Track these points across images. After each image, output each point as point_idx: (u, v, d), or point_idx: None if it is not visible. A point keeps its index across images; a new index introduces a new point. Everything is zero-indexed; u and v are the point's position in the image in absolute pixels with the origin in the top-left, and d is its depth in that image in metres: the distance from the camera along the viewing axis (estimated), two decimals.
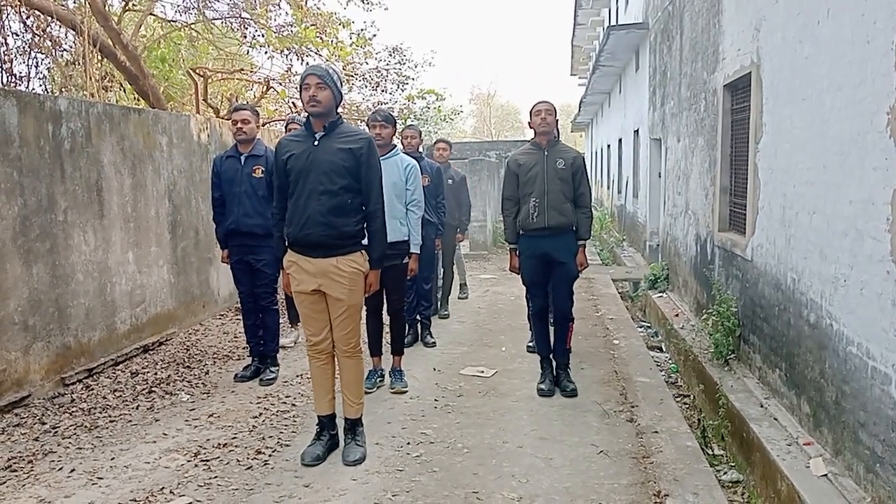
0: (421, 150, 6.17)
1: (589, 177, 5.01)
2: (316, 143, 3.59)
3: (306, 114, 3.66)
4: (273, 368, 5.23)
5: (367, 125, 4.83)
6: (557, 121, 4.85)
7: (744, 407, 4.73)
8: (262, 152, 5.08)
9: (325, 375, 3.80)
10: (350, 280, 3.62)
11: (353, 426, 3.85)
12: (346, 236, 3.59)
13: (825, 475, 3.65)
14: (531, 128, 4.87)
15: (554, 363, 4.98)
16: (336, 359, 3.79)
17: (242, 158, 5.06)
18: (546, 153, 4.76)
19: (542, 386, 4.87)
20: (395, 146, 4.99)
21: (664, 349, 7.69)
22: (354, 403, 3.81)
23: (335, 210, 3.54)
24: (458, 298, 8.33)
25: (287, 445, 3.98)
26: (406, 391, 4.89)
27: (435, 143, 7.37)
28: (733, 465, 4.73)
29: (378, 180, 3.70)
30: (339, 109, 3.76)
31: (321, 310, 3.68)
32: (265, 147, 5.13)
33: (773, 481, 3.92)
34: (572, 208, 4.76)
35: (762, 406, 4.72)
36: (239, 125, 5.02)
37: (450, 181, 6.91)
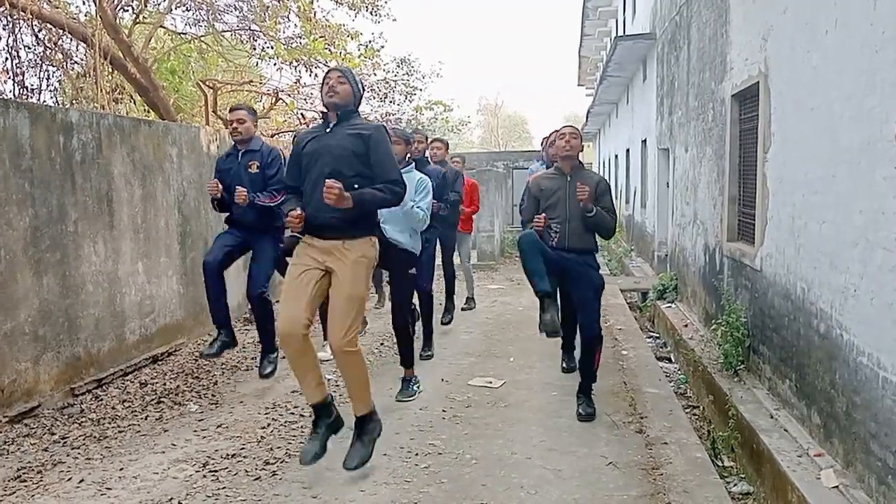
0: (427, 154, 6.22)
1: (613, 199, 4.82)
2: (328, 130, 3.65)
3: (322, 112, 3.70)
4: (271, 356, 5.17)
5: None
6: (582, 147, 4.73)
7: (754, 418, 4.70)
8: (258, 147, 5.12)
9: (306, 357, 3.54)
10: (354, 266, 3.53)
11: (363, 423, 3.70)
12: (355, 220, 3.52)
13: (836, 487, 3.62)
14: (552, 154, 4.74)
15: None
16: (334, 356, 3.60)
17: (239, 154, 5.12)
18: (569, 179, 4.63)
19: (546, 316, 4.37)
20: (411, 163, 5.04)
21: (673, 360, 7.66)
22: (359, 401, 3.68)
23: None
24: (462, 310, 8.23)
25: (295, 456, 3.97)
26: (411, 400, 4.90)
27: (430, 141, 7.21)
28: (743, 476, 4.69)
29: (393, 160, 3.64)
30: None
31: (311, 283, 3.52)
32: (262, 142, 5.18)
33: (784, 493, 3.88)
34: (593, 236, 4.62)
35: (772, 417, 4.69)
36: (234, 125, 5.06)
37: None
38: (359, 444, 3.69)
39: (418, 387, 5.08)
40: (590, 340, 4.58)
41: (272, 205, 4.97)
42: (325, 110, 3.72)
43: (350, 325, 3.51)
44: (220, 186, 4.98)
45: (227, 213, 5.20)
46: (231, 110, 5.22)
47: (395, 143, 4.79)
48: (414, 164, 5.15)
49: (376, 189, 3.55)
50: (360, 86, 3.74)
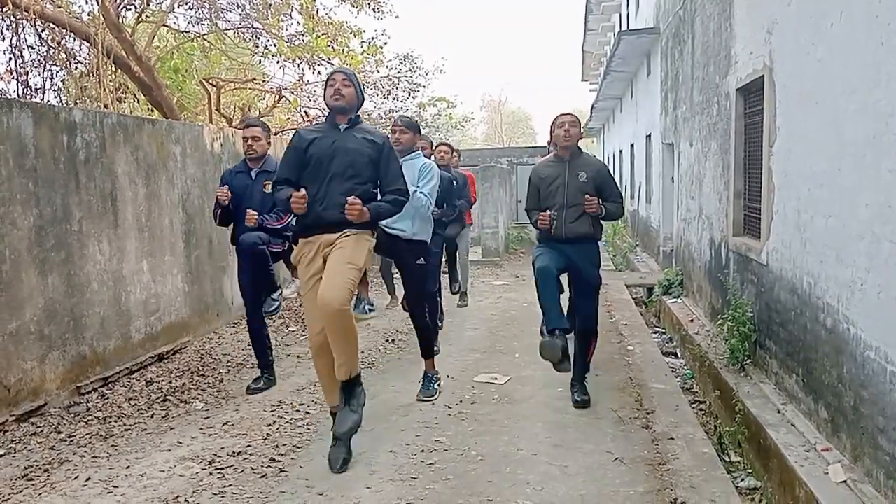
0: (432, 158, 6.19)
1: (617, 183, 4.92)
2: (342, 131, 3.77)
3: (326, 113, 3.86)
4: (274, 296, 5.15)
5: (391, 130, 4.97)
6: (582, 134, 4.79)
7: (760, 413, 4.69)
8: (273, 168, 5.02)
9: (331, 366, 3.77)
10: (357, 239, 3.69)
11: (349, 389, 3.77)
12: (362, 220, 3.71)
13: (844, 481, 3.61)
14: (552, 142, 4.81)
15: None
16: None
17: (253, 174, 5.04)
18: (568, 165, 4.67)
19: (557, 341, 4.44)
20: (417, 151, 5.00)
21: (679, 355, 7.64)
22: (345, 363, 3.70)
23: (357, 195, 3.65)
24: (458, 307, 8.21)
25: (301, 454, 3.98)
26: (433, 399, 4.83)
27: (436, 146, 7.19)
28: (750, 471, 4.68)
29: (400, 169, 3.94)
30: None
31: None
32: (276, 162, 5.11)
33: (792, 488, 3.87)
34: (591, 221, 4.63)
35: (779, 412, 4.67)
36: (249, 142, 4.99)
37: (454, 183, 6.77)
38: (347, 409, 3.78)
39: (439, 385, 4.99)
40: (586, 333, 4.77)
41: (279, 227, 4.96)
42: (331, 110, 3.82)
43: (347, 285, 3.58)
44: (230, 195, 4.94)
45: (229, 226, 5.16)
46: (245, 126, 5.12)
47: (401, 131, 4.85)
48: (420, 154, 5.06)
49: (385, 202, 3.84)
50: (362, 90, 3.89)
